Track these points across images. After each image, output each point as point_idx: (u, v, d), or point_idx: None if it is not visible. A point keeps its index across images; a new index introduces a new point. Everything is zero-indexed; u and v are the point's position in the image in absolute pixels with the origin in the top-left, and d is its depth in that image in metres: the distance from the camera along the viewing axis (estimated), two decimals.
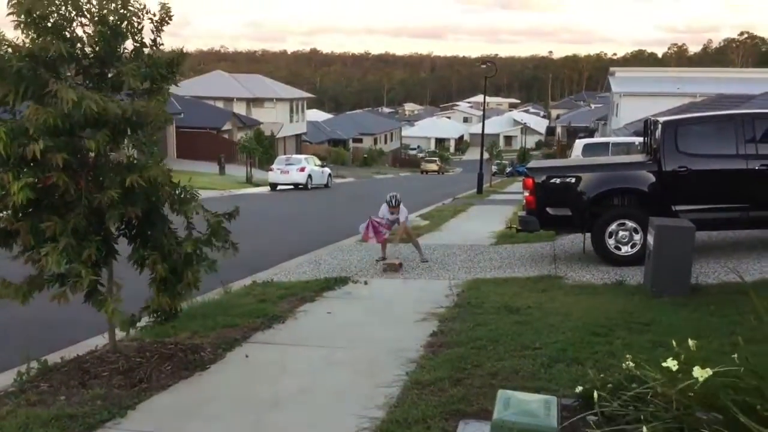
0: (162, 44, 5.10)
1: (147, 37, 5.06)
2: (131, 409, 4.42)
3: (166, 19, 5.07)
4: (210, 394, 4.76)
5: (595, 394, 3.13)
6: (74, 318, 4.87)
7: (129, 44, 4.99)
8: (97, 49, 4.80)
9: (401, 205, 10.12)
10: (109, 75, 4.89)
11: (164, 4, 5.02)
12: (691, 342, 3.24)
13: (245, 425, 4.23)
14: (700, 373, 2.83)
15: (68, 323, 6.24)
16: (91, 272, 4.41)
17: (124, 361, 5.09)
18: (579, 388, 3.30)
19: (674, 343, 3.36)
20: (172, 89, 5.22)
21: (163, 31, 5.11)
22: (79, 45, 4.76)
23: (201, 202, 5.01)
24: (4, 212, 4.64)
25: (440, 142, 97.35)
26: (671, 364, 3.00)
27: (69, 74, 4.80)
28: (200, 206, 4.97)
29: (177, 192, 4.95)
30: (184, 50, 5.19)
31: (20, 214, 4.61)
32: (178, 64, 5.11)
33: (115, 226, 4.71)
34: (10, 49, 4.50)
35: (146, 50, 5.04)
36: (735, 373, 2.91)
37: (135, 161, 4.57)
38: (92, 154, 4.69)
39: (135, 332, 5.20)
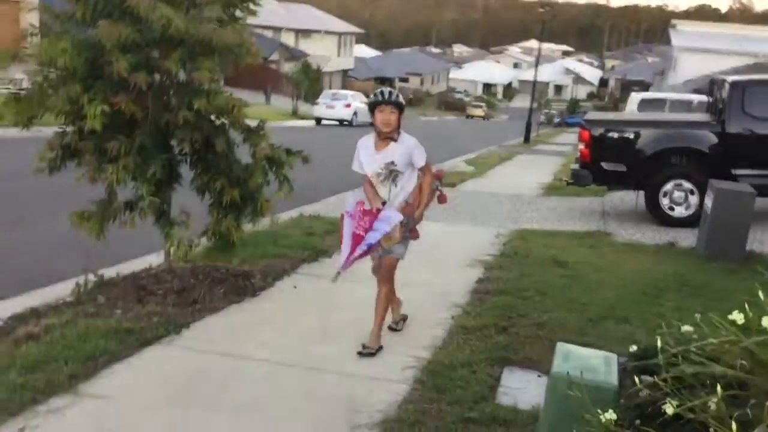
0: None
1: None
2: (186, 327, 4.55)
3: None
4: (260, 320, 4.87)
5: (649, 354, 3.07)
6: (130, 234, 4.96)
7: None
8: None
9: (411, 139, 4.35)
10: None
11: None
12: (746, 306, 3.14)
13: (294, 354, 4.32)
14: None
15: (124, 239, 6.39)
16: (153, 190, 4.46)
17: (178, 281, 5.20)
18: (633, 347, 3.25)
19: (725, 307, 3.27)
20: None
21: None
22: None
23: (268, 134, 5.02)
24: (71, 127, 4.69)
25: (488, 87, 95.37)
26: (738, 317, 2.91)
27: None
28: (270, 141, 4.98)
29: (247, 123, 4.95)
30: None
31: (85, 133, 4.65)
32: None
33: (180, 148, 4.73)
34: None
35: None
36: None
37: (203, 87, 4.54)
38: (157, 77, 4.68)
39: (189, 254, 5.29)
